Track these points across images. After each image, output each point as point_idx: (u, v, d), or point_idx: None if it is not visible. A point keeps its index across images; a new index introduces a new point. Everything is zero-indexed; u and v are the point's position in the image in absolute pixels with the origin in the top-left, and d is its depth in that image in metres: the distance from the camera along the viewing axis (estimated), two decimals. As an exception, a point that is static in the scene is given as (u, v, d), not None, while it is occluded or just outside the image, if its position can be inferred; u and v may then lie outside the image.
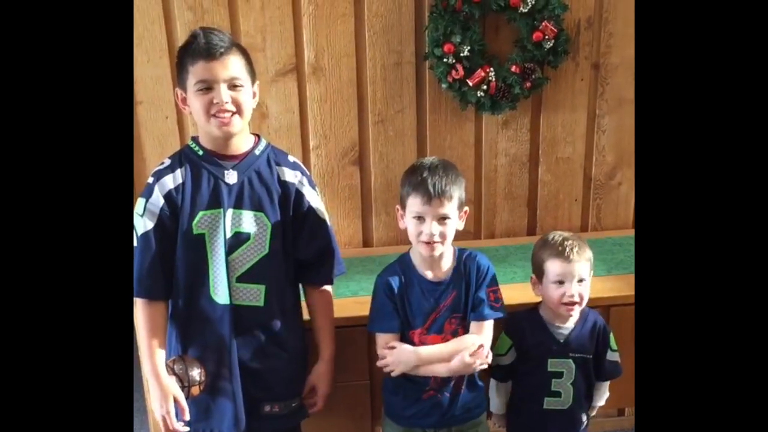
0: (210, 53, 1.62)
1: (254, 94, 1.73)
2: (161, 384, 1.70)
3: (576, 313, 1.88)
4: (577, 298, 1.83)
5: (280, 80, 2.35)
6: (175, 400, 1.70)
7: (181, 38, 2.26)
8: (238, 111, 1.67)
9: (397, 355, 1.79)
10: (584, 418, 1.97)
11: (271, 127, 2.38)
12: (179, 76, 1.70)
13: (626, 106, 2.52)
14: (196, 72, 1.64)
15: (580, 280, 1.84)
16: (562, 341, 1.88)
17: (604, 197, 2.64)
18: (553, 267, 1.84)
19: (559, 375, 1.89)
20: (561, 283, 1.83)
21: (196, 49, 1.63)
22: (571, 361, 1.88)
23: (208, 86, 1.64)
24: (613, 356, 1.94)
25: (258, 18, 2.29)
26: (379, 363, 1.82)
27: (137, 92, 2.28)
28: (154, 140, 2.35)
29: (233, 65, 1.65)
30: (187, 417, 1.72)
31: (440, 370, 1.79)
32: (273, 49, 2.32)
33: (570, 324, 1.89)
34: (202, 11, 2.26)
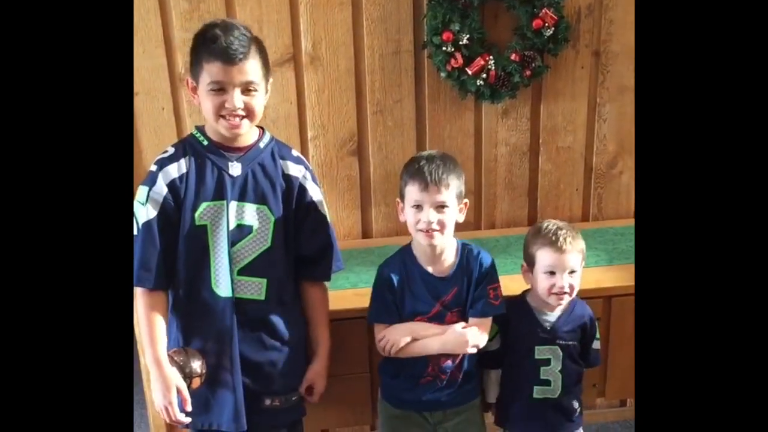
0: (229, 58, 1.60)
1: (267, 91, 1.72)
2: (163, 374, 1.69)
3: (565, 303, 1.87)
4: (567, 289, 1.82)
5: (278, 70, 2.33)
6: (178, 391, 1.69)
7: (176, 28, 2.24)
8: (249, 115, 1.66)
9: (392, 329, 1.80)
10: (576, 404, 1.96)
11: (269, 118, 2.35)
12: (192, 67, 1.68)
13: (627, 94, 2.49)
14: (210, 72, 1.62)
15: (572, 272, 1.82)
16: (548, 328, 1.88)
17: (605, 186, 2.62)
18: (544, 257, 1.83)
19: (547, 362, 1.89)
20: (552, 273, 1.82)
21: (215, 50, 1.60)
22: (558, 348, 1.88)
23: (221, 88, 1.62)
24: (596, 344, 1.95)
25: (254, 7, 2.27)
26: (379, 344, 1.83)
27: (133, 83, 2.26)
28: (151, 131, 2.33)
29: (250, 70, 1.63)
30: (189, 408, 1.71)
31: (433, 345, 1.80)
32: (270, 38, 2.29)
33: (557, 311, 1.89)
34: (197, 1, 2.24)
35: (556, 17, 2.28)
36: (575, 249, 1.82)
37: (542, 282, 1.84)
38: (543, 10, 2.26)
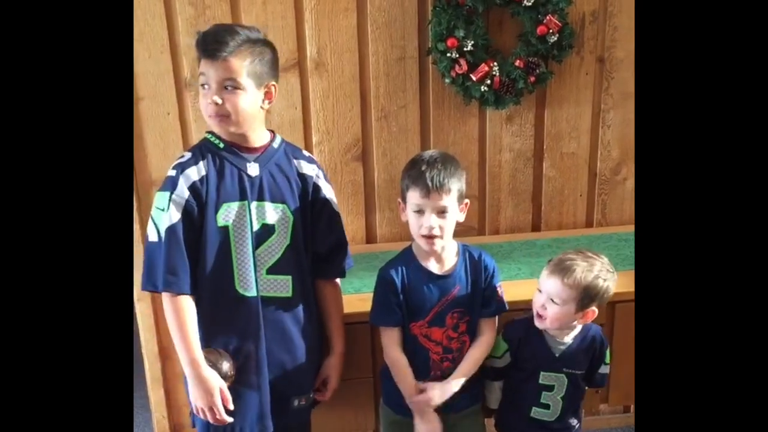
0: (209, 53, 1.62)
1: (269, 95, 1.71)
2: (202, 375, 1.68)
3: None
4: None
5: (283, 76, 2.32)
6: (220, 392, 1.69)
7: (182, 34, 2.25)
8: (229, 114, 1.65)
9: (425, 399, 1.83)
10: (574, 422, 1.94)
11: (274, 123, 2.36)
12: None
13: (631, 101, 2.49)
14: (201, 66, 1.65)
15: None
16: (557, 355, 1.85)
17: (609, 192, 2.62)
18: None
19: (550, 388, 1.87)
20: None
21: (199, 45, 1.64)
22: (563, 375, 1.86)
23: (205, 82, 1.65)
24: (604, 369, 1.92)
25: (260, 13, 2.28)
26: (414, 399, 1.85)
27: (139, 88, 2.27)
28: (156, 136, 2.33)
29: (232, 67, 1.62)
30: (231, 406, 1.72)
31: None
32: (275, 44, 2.27)
33: (569, 338, 1.85)
34: (203, 6, 2.25)
35: (560, 24, 2.28)
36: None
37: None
38: (547, 17, 2.27)
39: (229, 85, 1.63)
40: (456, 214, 1.79)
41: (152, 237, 1.69)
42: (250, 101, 1.67)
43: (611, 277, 1.79)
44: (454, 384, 1.84)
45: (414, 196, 1.76)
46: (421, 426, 1.85)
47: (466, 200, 1.83)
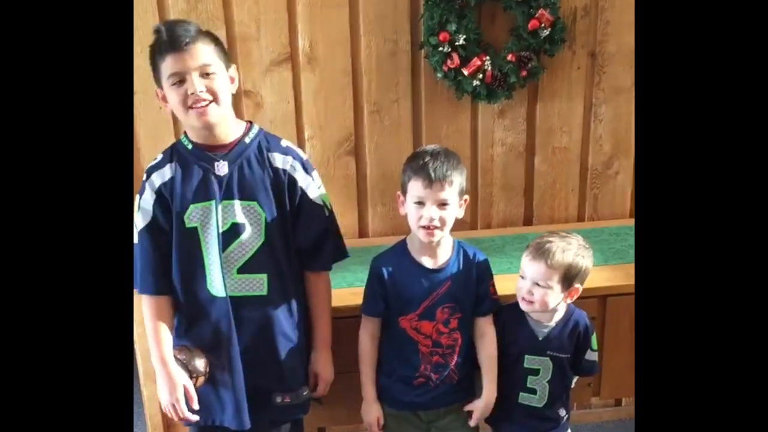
0: (175, 45, 1.61)
1: (232, 79, 1.71)
2: (169, 372, 1.71)
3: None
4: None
5: (275, 70, 2.33)
6: (185, 389, 1.71)
7: (174, 28, 2.24)
8: (215, 99, 1.65)
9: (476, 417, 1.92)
10: (562, 412, 1.96)
11: (266, 118, 2.36)
12: (154, 75, 1.69)
13: (623, 95, 2.50)
14: (166, 66, 1.63)
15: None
16: (541, 338, 1.87)
17: (600, 187, 2.63)
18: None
19: (535, 372, 1.88)
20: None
21: (162, 44, 1.62)
22: (548, 359, 1.87)
23: (180, 78, 1.62)
24: (591, 356, 1.93)
25: (252, 7, 2.27)
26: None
27: (130, 82, 2.26)
28: (148, 131, 2.33)
29: (201, 53, 1.63)
30: (196, 406, 1.74)
31: None
32: (267, 38, 2.30)
33: (552, 322, 1.87)
34: (195, 1, 2.24)
35: (552, 18, 2.29)
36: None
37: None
38: (539, 11, 2.27)
39: (206, 71, 1.63)
40: (456, 208, 1.79)
41: (135, 239, 1.73)
42: (225, 83, 1.68)
43: (588, 254, 1.84)
44: (490, 391, 1.89)
45: (416, 187, 1.76)
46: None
47: (466, 196, 1.84)
